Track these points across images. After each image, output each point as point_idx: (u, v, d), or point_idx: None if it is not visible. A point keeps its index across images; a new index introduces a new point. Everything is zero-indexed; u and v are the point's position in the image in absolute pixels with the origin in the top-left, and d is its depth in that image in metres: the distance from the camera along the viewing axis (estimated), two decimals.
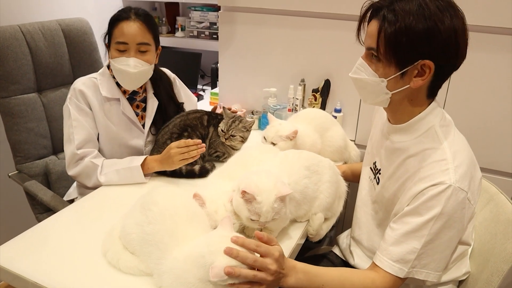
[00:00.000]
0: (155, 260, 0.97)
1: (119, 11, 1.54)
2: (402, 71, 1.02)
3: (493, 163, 1.70)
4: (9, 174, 1.83)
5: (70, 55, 2.00)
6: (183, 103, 1.81)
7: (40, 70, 1.87)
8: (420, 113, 1.09)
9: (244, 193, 1.07)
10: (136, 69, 1.51)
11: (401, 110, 1.11)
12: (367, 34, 1.06)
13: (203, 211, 1.10)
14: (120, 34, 1.49)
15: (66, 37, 1.98)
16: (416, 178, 1.05)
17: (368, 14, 1.06)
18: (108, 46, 1.57)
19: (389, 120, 1.19)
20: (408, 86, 1.04)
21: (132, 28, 1.49)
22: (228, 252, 0.87)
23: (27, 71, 1.81)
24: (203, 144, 1.44)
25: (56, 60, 1.93)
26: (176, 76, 1.87)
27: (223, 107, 1.64)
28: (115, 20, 1.51)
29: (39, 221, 1.74)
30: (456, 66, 1.03)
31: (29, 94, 1.84)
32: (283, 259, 0.97)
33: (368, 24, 1.06)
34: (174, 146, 1.43)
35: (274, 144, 1.53)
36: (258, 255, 0.93)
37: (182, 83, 1.90)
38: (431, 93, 1.08)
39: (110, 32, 1.53)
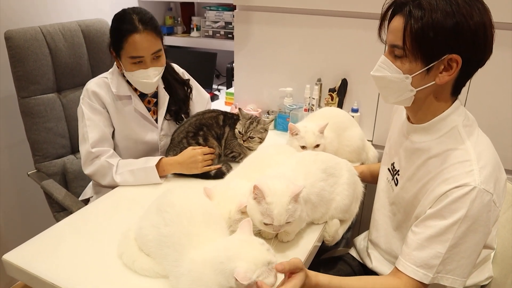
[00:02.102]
0: (172, 262, 0.96)
1: (121, 21, 1.50)
2: (428, 67, 0.99)
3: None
4: (28, 173, 1.86)
5: (89, 55, 2.03)
6: (188, 79, 1.83)
7: (59, 71, 1.90)
8: (443, 112, 1.06)
9: (256, 188, 1.05)
10: (155, 77, 1.56)
11: (424, 109, 1.08)
12: (390, 30, 1.04)
13: (219, 213, 1.08)
14: (133, 50, 1.49)
15: (86, 38, 2.01)
16: (438, 180, 1.02)
17: (390, 11, 1.03)
18: (116, 55, 1.56)
19: (409, 120, 1.16)
20: (433, 82, 1.01)
21: (145, 41, 1.49)
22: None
23: (46, 72, 1.84)
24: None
25: (76, 60, 1.96)
26: (185, 72, 1.88)
27: (239, 108, 1.63)
28: (124, 33, 1.48)
29: (57, 219, 1.79)
30: (483, 61, 1.00)
31: (49, 94, 1.87)
32: (305, 281, 0.94)
33: (390, 21, 1.04)
34: (201, 153, 1.50)
35: (317, 145, 1.50)
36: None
37: (192, 78, 1.90)
38: (456, 90, 1.05)
39: (119, 45, 1.50)
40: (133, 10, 1.52)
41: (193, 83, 1.90)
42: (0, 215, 2.17)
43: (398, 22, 1.00)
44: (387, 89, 1.10)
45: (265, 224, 1.06)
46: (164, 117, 1.71)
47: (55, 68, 1.88)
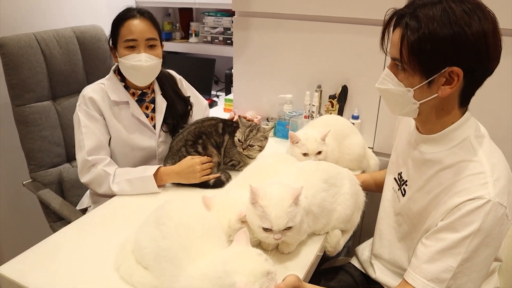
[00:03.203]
0: (170, 277, 0.93)
1: (122, 12, 1.56)
2: (428, 80, 0.97)
3: None
4: (24, 183, 1.82)
5: (85, 62, 2.00)
6: (189, 96, 1.82)
7: (54, 78, 1.87)
8: (453, 123, 1.04)
9: (251, 190, 1.03)
10: (147, 63, 1.54)
11: (431, 120, 1.06)
12: (391, 43, 1.02)
13: (219, 224, 1.06)
14: (128, 32, 1.52)
15: (81, 44, 1.98)
16: (451, 192, 0.99)
17: (392, 22, 1.01)
18: (113, 47, 1.58)
19: (418, 130, 1.14)
20: (436, 95, 0.99)
21: (139, 25, 1.53)
22: None
23: (41, 79, 1.81)
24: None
25: (71, 67, 1.93)
26: (182, 78, 1.87)
27: (239, 116, 1.61)
28: (120, 20, 1.53)
29: (53, 229, 1.76)
30: (489, 71, 0.97)
31: (44, 102, 1.84)
32: None
33: (392, 32, 1.02)
34: (199, 162, 1.48)
35: (319, 152, 1.48)
36: None
37: (190, 85, 1.89)
38: (464, 101, 1.03)
39: (116, 33, 1.54)
40: (133, 7, 1.59)
41: (191, 89, 1.88)
42: None
43: (396, 35, 0.99)
44: (392, 101, 1.09)
45: (264, 229, 1.03)
46: (161, 127, 1.68)
47: (50, 76, 1.85)
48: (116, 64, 1.64)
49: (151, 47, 1.56)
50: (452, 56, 0.92)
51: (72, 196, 1.85)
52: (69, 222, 1.51)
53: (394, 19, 1.01)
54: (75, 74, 1.95)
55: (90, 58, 2.01)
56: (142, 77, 1.59)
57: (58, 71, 1.88)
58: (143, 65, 1.53)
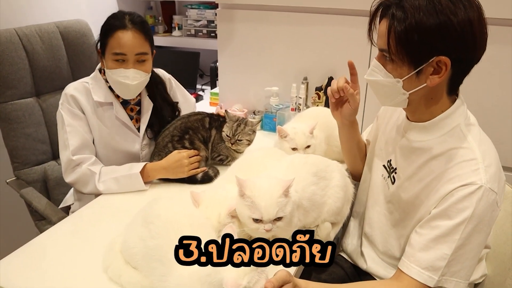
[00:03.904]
0: (159, 276, 0.92)
1: (112, 18, 1.47)
2: (417, 70, 0.97)
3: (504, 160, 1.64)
4: (7, 181, 1.79)
5: (69, 58, 1.96)
6: (177, 102, 1.77)
7: (37, 74, 1.83)
8: (442, 111, 1.04)
9: (237, 181, 1.03)
10: (134, 80, 1.47)
11: (420, 110, 1.06)
12: (378, 34, 1.02)
13: (208, 221, 1.05)
14: (117, 45, 1.43)
15: (64, 40, 1.94)
16: (443, 179, 0.99)
17: (379, 13, 1.01)
18: (101, 53, 1.51)
19: (407, 117, 1.14)
20: (425, 84, 0.99)
21: (130, 38, 1.43)
22: None
23: (24, 76, 1.77)
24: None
25: (54, 63, 1.89)
26: (171, 77, 1.82)
27: (226, 110, 1.59)
28: (111, 29, 1.44)
29: (38, 228, 1.74)
30: (476, 59, 0.97)
31: (27, 99, 1.80)
32: None
33: (379, 23, 1.02)
34: (187, 156, 1.46)
35: (308, 146, 1.47)
36: None
37: (179, 84, 1.85)
38: (452, 89, 1.03)
39: (104, 41, 1.46)
40: (127, 12, 1.49)
41: (180, 89, 1.84)
42: None
43: (383, 26, 0.99)
44: (381, 93, 1.09)
45: (255, 221, 1.02)
46: (145, 131, 1.64)
47: (33, 72, 1.81)
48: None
49: (141, 62, 1.48)
50: (439, 45, 0.93)
51: (58, 194, 1.83)
52: (51, 221, 1.51)
53: (380, 10, 1.00)
54: (59, 70, 1.91)
55: (75, 53, 1.97)
56: (128, 92, 1.53)
57: (41, 67, 1.84)
58: (129, 83, 1.46)
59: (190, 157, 1.49)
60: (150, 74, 1.55)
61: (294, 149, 1.46)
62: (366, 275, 1.31)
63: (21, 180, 1.79)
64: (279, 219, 1.03)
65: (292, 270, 1.09)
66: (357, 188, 1.40)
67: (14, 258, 1.12)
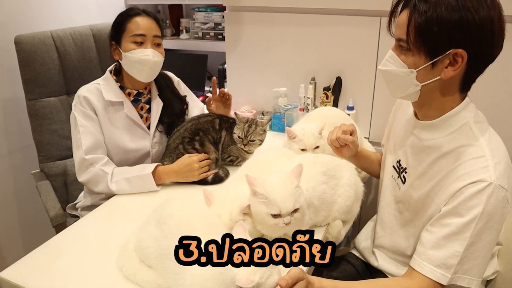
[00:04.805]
0: (173, 275, 0.94)
1: (126, 9, 1.58)
2: (432, 61, 0.97)
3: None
4: (32, 172, 1.90)
5: (100, 59, 2.06)
6: (185, 96, 1.82)
7: (68, 74, 1.95)
8: (452, 108, 1.04)
9: (247, 179, 1.04)
10: (155, 58, 1.55)
11: (431, 104, 1.06)
12: (397, 24, 1.03)
13: (220, 221, 1.06)
14: (137, 27, 1.53)
15: (96, 42, 2.04)
16: (453, 177, 1.00)
17: (400, 6, 1.02)
18: (116, 43, 1.57)
19: (416, 116, 1.15)
20: (439, 77, 0.99)
21: (147, 21, 1.55)
22: None
23: (54, 75, 1.88)
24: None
25: (85, 64, 2.00)
26: (180, 80, 1.87)
27: (235, 112, 1.61)
28: (127, 16, 1.54)
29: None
30: (492, 57, 0.97)
31: (55, 97, 1.91)
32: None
33: (399, 14, 1.03)
34: (197, 160, 1.49)
35: (317, 147, 1.48)
36: None
37: (187, 88, 1.89)
38: (464, 86, 1.03)
39: (122, 28, 1.54)
40: (136, 5, 1.63)
41: (187, 91, 1.87)
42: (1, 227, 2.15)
43: (403, 16, 0.99)
44: (393, 83, 1.09)
45: (273, 216, 1.03)
46: (156, 127, 1.68)
47: (64, 72, 1.93)
48: (113, 64, 1.64)
49: (157, 45, 1.58)
50: (458, 38, 0.93)
51: (74, 190, 1.90)
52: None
53: (403, 1, 1.01)
54: (89, 70, 2.01)
55: (106, 55, 2.02)
56: (148, 71, 1.58)
57: (72, 67, 1.95)
58: (151, 59, 1.54)
59: (200, 161, 1.51)
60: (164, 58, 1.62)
61: (303, 150, 1.47)
62: (377, 273, 1.31)
63: (43, 172, 1.89)
64: (295, 210, 1.04)
65: (304, 268, 1.10)
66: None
67: (30, 258, 1.14)
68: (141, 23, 1.53)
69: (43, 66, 1.84)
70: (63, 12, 2.35)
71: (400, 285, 1.03)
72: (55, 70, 1.88)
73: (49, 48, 1.86)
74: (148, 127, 1.67)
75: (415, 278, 1.01)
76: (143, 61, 1.53)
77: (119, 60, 1.58)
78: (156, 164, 1.50)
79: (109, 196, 1.49)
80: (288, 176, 1.06)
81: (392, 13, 1.05)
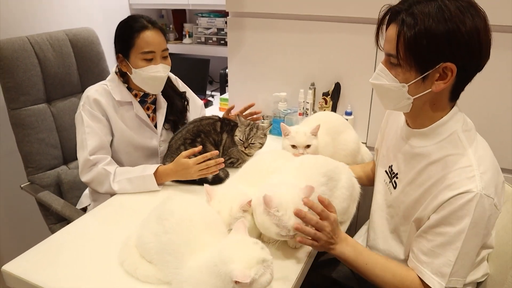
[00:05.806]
0: (173, 269, 0.97)
1: (131, 21, 1.56)
2: (423, 75, 1.00)
3: (504, 162, 1.66)
4: (22, 186, 1.82)
5: (78, 64, 2.01)
6: (185, 92, 1.86)
7: (49, 81, 1.88)
8: (442, 117, 1.07)
9: (266, 200, 1.05)
10: (165, 73, 1.60)
11: (422, 115, 1.09)
12: (386, 39, 1.05)
13: (219, 218, 1.09)
14: (146, 44, 1.54)
15: (74, 47, 1.99)
16: (441, 185, 1.02)
17: (387, 18, 1.04)
18: (124, 57, 1.57)
19: (407, 124, 1.17)
20: (430, 90, 1.02)
21: (155, 37, 1.56)
22: (297, 213, 1.03)
23: (36, 82, 1.82)
24: (222, 159, 1.47)
25: (65, 70, 1.94)
26: (177, 78, 1.91)
27: (237, 115, 1.64)
28: (134, 31, 1.54)
29: (52, 231, 1.76)
30: (480, 67, 1.00)
31: (39, 104, 1.85)
32: (337, 225, 1.11)
33: (386, 29, 1.05)
34: (193, 163, 1.44)
35: (308, 146, 1.51)
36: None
37: (185, 85, 1.93)
38: (454, 96, 1.06)
39: (130, 43, 1.54)
40: (138, 14, 1.61)
41: (184, 87, 1.92)
42: None
43: (392, 31, 1.01)
44: (386, 97, 1.11)
45: (282, 235, 1.07)
46: (163, 125, 1.72)
47: (44, 78, 1.86)
48: (116, 65, 1.66)
49: (165, 58, 1.61)
50: (447, 51, 0.95)
51: (71, 198, 1.87)
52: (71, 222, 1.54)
53: (389, 16, 1.03)
54: (69, 76, 1.96)
55: (84, 60, 2.02)
56: (158, 85, 1.63)
57: (53, 73, 1.89)
58: (162, 76, 1.58)
59: (198, 163, 1.46)
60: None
61: (293, 146, 1.51)
62: None
63: (35, 184, 1.82)
64: None
65: (300, 267, 1.13)
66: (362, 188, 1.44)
67: (33, 252, 1.17)
68: (150, 39, 1.54)
69: (26, 73, 1.77)
70: (63, 15, 2.36)
71: (409, 274, 1.08)
72: (37, 77, 1.82)
73: (29, 54, 1.79)
74: (155, 126, 1.72)
75: (415, 282, 1.06)
76: (155, 78, 1.57)
77: (128, 73, 1.60)
78: (157, 165, 1.53)
79: (112, 194, 1.51)
80: (299, 194, 1.08)
81: (379, 27, 1.06)
